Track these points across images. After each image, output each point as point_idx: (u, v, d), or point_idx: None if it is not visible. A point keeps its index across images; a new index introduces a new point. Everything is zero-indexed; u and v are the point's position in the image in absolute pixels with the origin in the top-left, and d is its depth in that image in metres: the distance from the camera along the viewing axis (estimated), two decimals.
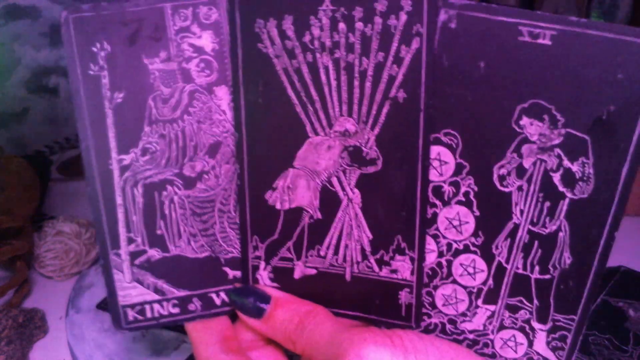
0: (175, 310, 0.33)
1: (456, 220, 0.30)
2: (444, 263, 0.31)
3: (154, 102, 0.31)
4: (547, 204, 0.28)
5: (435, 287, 0.31)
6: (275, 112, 0.30)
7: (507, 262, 0.30)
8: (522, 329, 0.30)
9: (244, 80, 0.30)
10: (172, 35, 0.30)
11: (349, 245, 0.31)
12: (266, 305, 0.32)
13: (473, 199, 0.29)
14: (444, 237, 0.30)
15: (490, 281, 0.30)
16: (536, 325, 0.30)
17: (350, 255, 0.31)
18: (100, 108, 0.31)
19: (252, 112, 0.30)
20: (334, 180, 0.30)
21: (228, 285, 0.33)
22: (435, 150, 0.29)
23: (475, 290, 0.30)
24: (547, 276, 0.29)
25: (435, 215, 0.30)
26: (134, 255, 0.32)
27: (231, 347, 0.32)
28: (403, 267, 0.31)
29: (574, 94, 0.26)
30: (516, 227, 0.29)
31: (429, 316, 0.32)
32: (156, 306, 0.33)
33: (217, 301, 0.33)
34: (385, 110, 0.29)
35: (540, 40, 0.26)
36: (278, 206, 0.31)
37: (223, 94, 0.31)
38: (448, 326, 0.31)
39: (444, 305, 0.31)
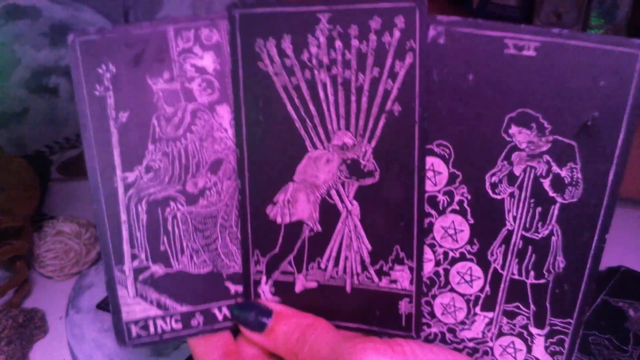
0: (178, 326, 0.33)
1: (452, 229, 0.30)
2: (442, 272, 0.31)
3: (157, 121, 0.32)
4: (539, 209, 0.29)
5: (434, 297, 0.32)
6: (275, 128, 0.31)
7: (503, 268, 0.30)
8: (520, 335, 0.31)
9: (244, 98, 0.31)
10: (175, 56, 0.31)
11: (348, 257, 0.32)
12: (268, 319, 0.32)
13: (467, 207, 0.30)
14: (440, 246, 0.31)
15: (487, 288, 0.31)
16: (534, 330, 0.30)
17: (350, 266, 0.32)
18: (106, 127, 0.32)
19: (253, 128, 0.31)
20: (333, 192, 0.31)
21: (230, 300, 0.33)
22: (429, 161, 0.30)
23: (472, 297, 0.31)
24: (542, 281, 0.30)
25: (431, 224, 0.31)
26: (137, 271, 0.33)
27: None
28: (402, 277, 0.31)
29: (560, 102, 0.27)
30: (510, 233, 0.30)
31: (429, 326, 0.32)
32: (159, 322, 0.33)
33: (220, 316, 0.33)
34: (381, 123, 0.30)
35: (525, 52, 0.27)
36: (279, 220, 0.32)
37: (224, 112, 0.32)
38: (448, 335, 0.32)
39: (442, 314, 0.32)
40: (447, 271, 0.31)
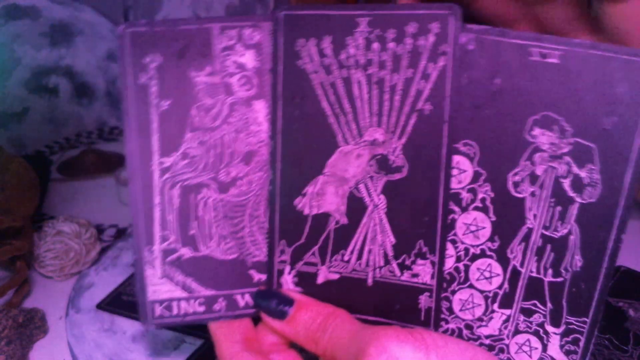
0: (201, 309, 0.34)
1: (473, 226, 0.32)
2: (462, 268, 0.32)
3: (197, 111, 0.34)
4: (559, 208, 0.30)
5: (453, 292, 0.32)
6: (310, 122, 0.33)
7: (522, 265, 0.31)
8: (536, 333, 0.31)
9: (282, 93, 0.33)
10: (217, 52, 0.33)
11: (372, 250, 0.33)
12: (289, 307, 0.33)
13: (489, 205, 0.31)
14: (462, 242, 0.32)
15: (506, 285, 0.32)
16: (550, 328, 0.31)
17: (373, 259, 0.33)
18: (147, 114, 0.33)
19: (288, 122, 0.33)
20: (361, 187, 0.33)
21: (253, 288, 0.34)
22: (454, 159, 0.32)
23: (491, 294, 0.32)
24: (560, 279, 0.31)
25: (453, 221, 0.32)
26: (166, 253, 0.33)
27: (253, 348, 0.33)
28: (424, 271, 0.32)
29: (581, 107, 0.29)
30: (530, 231, 0.31)
31: (447, 322, 0.33)
32: (183, 303, 0.33)
33: (241, 303, 0.34)
34: (412, 121, 0.31)
35: (549, 60, 0.29)
36: (306, 211, 0.33)
37: (260, 107, 0.34)
38: (465, 332, 0.33)
39: (461, 310, 0.32)
40: (467, 267, 0.32)
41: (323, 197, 0.33)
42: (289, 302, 0.33)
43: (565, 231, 0.31)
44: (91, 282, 0.51)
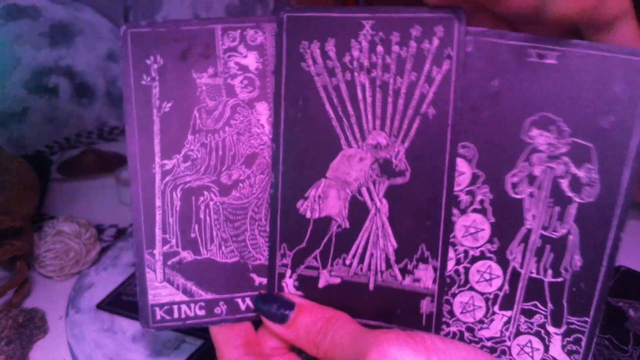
0: (202, 313, 0.33)
1: (472, 228, 0.32)
2: (462, 270, 0.32)
3: (198, 113, 0.34)
4: (557, 208, 0.31)
5: (454, 295, 0.33)
6: (313, 125, 0.33)
7: (522, 266, 0.31)
8: (537, 334, 0.32)
9: (285, 96, 0.33)
10: (220, 54, 0.34)
11: (374, 254, 0.33)
12: (290, 311, 0.33)
13: (488, 207, 0.32)
14: (462, 245, 0.32)
15: (506, 286, 0.32)
16: (551, 329, 0.31)
17: (375, 264, 0.33)
18: (149, 116, 0.33)
19: (291, 125, 0.33)
20: (364, 190, 0.33)
21: (254, 292, 0.34)
22: None
23: (491, 296, 0.32)
24: (560, 279, 0.31)
25: (452, 223, 0.32)
26: (167, 256, 0.33)
27: (254, 352, 0.32)
28: (426, 276, 0.32)
29: (578, 107, 0.30)
30: (529, 232, 0.31)
31: (448, 325, 0.33)
32: (183, 307, 0.33)
33: (242, 306, 0.34)
34: (415, 125, 0.32)
35: (546, 60, 0.30)
36: (308, 215, 0.33)
37: (263, 109, 0.34)
38: (466, 334, 0.33)
39: (462, 312, 0.33)
40: (467, 270, 0.32)
41: (325, 201, 0.33)
42: (290, 306, 0.33)
43: (564, 231, 0.31)
44: (91, 282, 0.51)
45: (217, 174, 0.34)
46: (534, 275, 0.32)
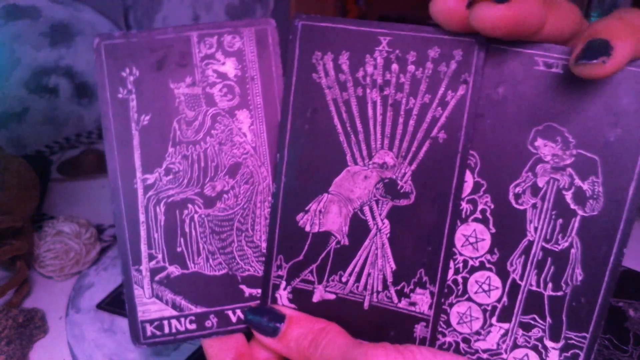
0: (192, 327, 0.33)
1: (473, 237, 0.30)
2: (460, 280, 0.31)
3: (178, 125, 0.32)
4: (560, 221, 0.28)
5: (451, 305, 0.31)
6: (319, 138, 0.31)
7: (521, 279, 0.30)
8: (534, 348, 0.30)
9: (293, 105, 0.31)
10: (197, 62, 0.31)
11: (371, 274, 0.31)
12: (280, 324, 0.31)
13: (489, 217, 0.29)
14: (461, 254, 0.30)
15: (505, 298, 0.30)
16: (549, 343, 0.30)
17: (371, 284, 0.31)
18: (128, 130, 0.31)
19: (297, 136, 0.31)
20: (366, 209, 0.31)
21: (244, 303, 0.33)
22: None
23: (489, 307, 0.30)
24: (560, 293, 0.29)
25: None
26: (154, 272, 0.32)
27: None
28: (422, 301, 0.31)
29: (584, 118, 0.27)
30: (530, 244, 0.29)
31: (444, 335, 0.31)
32: (174, 322, 0.32)
33: (233, 318, 0.33)
34: (424, 148, 0.29)
35: (553, 70, 0.27)
36: (307, 228, 0.32)
37: (244, 118, 0.32)
38: (462, 345, 0.31)
39: (458, 323, 0.31)
40: (465, 280, 0.31)
41: (326, 216, 0.31)
42: (281, 318, 0.32)
43: (566, 244, 0.29)
44: (91, 282, 0.50)
45: (200, 186, 0.32)
46: (534, 288, 0.30)
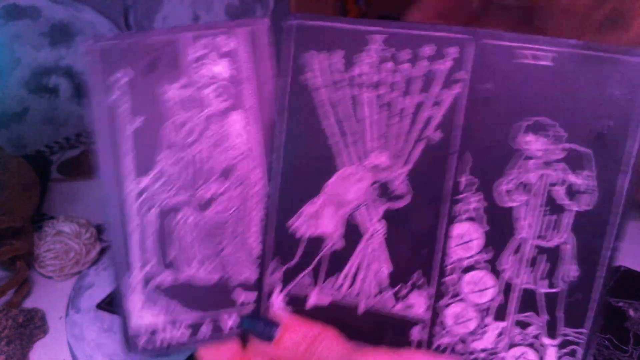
0: (187, 333, 0.32)
1: (466, 237, 0.30)
2: (454, 280, 0.31)
3: (171, 127, 0.32)
4: (553, 217, 0.29)
5: (446, 306, 0.31)
6: (313, 140, 0.31)
7: (516, 277, 0.30)
8: (532, 345, 0.30)
9: (288, 106, 0.31)
10: (190, 63, 0.31)
11: (366, 277, 0.31)
12: (276, 329, 0.31)
13: (482, 215, 0.30)
14: (454, 254, 0.31)
15: (500, 297, 0.30)
16: (546, 340, 0.30)
17: (366, 287, 0.31)
18: (119, 133, 0.31)
19: (291, 137, 0.31)
20: (360, 211, 0.31)
21: (239, 309, 0.33)
22: None
23: (484, 307, 0.31)
24: (555, 289, 0.29)
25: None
26: (147, 278, 0.32)
27: None
28: (418, 304, 0.31)
29: (575, 111, 0.27)
30: (523, 241, 0.29)
31: (440, 336, 0.31)
32: (168, 328, 0.32)
33: (228, 324, 0.33)
34: (419, 148, 0.30)
35: (542, 62, 0.27)
36: (301, 232, 0.32)
37: (238, 119, 0.32)
38: (459, 346, 0.31)
39: (454, 324, 0.31)
40: (459, 280, 0.31)
41: (320, 219, 0.31)
42: (276, 323, 0.32)
43: (560, 240, 0.29)
44: (91, 282, 0.50)
45: (193, 190, 0.32)
46: (529, 285, 0.30)
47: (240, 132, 0.32)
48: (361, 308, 0.31)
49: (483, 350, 0.31)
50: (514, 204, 0.29)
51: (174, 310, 0.32)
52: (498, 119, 0.29)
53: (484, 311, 0.31)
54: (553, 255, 0.29)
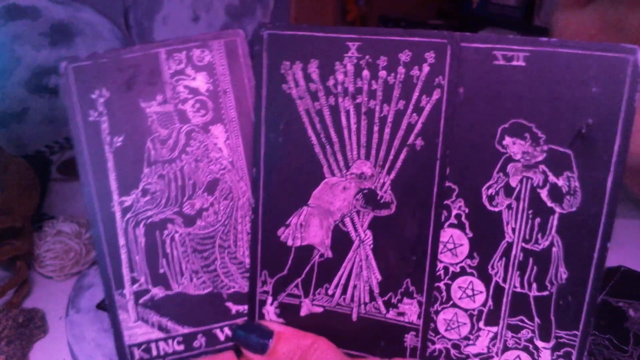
0: (180, 348, 0.33)
1: (451, 243, 0.30)
2: (443, 287, 0.31)
3: (152, 144, 0.32)
4: (538, 220, 0.28)
5: (437, 312, 0.31)
6: (294, 151, 0.31)
7: (505, 281, 0.30)
8: (526, 349, 0.30)
9: (265, 118, 0.31)
10: (167, 79, 0.31)
11: (357, 286, 0.31)
12: (269, 340, 0.32)
13: (465, 221, 0.29)
14: (440, 261, 0.30)
15: (490, 302, 0.30)
16: (539, 343, 0.30)
17: (358, 295, 0.31)
18: (101, 153, 0.32)
19: (272, 149, 0.31)
20: (347, 221, 0.31)
21: (231, 321, 0.33)
22: None
23: (475, 312, 0.30)
24: (546, 293, 0.29)
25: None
26: (138, 295, 0.32)
27: None
28: (410, 310, 0.31)
29: (553, 111, 0.27)
30: (510, 245, 0.29)
31: (433, 342, 0.31)
32: (161, 344, 0.33)
33: (221, 337, 0.33)
34: (402, 156, 0.29)
35: (514, 62, 0.27)
36: (289, 243, 0.32)
37: (219, 132, 0.32)
38: (452, 351, 0.31)
39: (446, 330, 0.31)
40: (448, 286, 0.31)
41: (307, 229, 0.32)
42: (269, 334, 0.32)
43: (547, 243, 0.29)
44: (91, 282, 0.50)
45: (179, 205, 0.33)
46: (519, 289, 0.30)
47: (222, 146, 0.32)
48: (354, 316, 0.31)
49: (477, 355, 0.31)
50: (497, 209, 0.29)
51: (167, 325, 0.33)
52: (474, 124, 0.28)
53: (475, 316, 0.30)
54: (541, 258, 0.29)
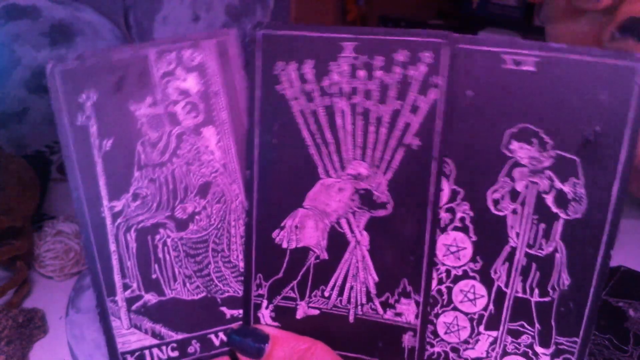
0: (175, 354, 0.32)
1: (454, 247, 0.29)
2: (444, 290, 0.30)
3: (142, 147, 0.31)
4: (542, 225, 0.28)
5: (437, 315, 0.31)
6: (289, 152, 0.30)
7: (507, 286, 0.29)
8: (525, 355, 0.30)
9: (259, 119, 0.30)
10: (157, 80, 0.30)
11: (354, 287, 0.31)
12: (265, 344, 0.31)
13: (469, 225, 0.29)
14: (443, 264, 0.30)
15: (491, 306, 0.30)
16: (539, 349, 0.29)
17: (354, 296, 0.31)
18: (90, 157, 0.31)
19: (266, 151, 0.30)
20: (343, 222, 0.30)
21: (226, 325, 0.33)
22: None
23: (476, 316, 0.30)
24: (547, 299, 0.29)
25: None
26: (130, 301, 0.32)
27: None
28: (408, 311, 0.30)
29: (561, 117, 0.26)
30: (513, 250, 0.29)
31: (432, 345, 0.31)
32: (155, 351, 0.32)
33: (216, 342, 0.33)
34: (398, 156, 0.29)
35: (524, 67, 0.26)
36: (285, 245, 0.31)
37: (210, 135, 0.31)
38: (451, 355, 0.31)
39: (446, 333, 0.31)
40: (449, 289, 0.30)
41: (302, 231, 0.31)
42: (264, 338, 0.31)
43: (550, 249, 0.28)
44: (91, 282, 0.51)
45: (170, 209, 0.32)
46: (520, 294, 0.29)
47: (214, 149, 0.31)
48: (351, 317, 0.31)
49: (475, 359, 0.30)
50: (501, 213, 0.28)
51: (160, 331, 0.32)
52: (482, 127, 0.27)
53: (476, 320, 0.30)
54: (544, 264, 0.28)
